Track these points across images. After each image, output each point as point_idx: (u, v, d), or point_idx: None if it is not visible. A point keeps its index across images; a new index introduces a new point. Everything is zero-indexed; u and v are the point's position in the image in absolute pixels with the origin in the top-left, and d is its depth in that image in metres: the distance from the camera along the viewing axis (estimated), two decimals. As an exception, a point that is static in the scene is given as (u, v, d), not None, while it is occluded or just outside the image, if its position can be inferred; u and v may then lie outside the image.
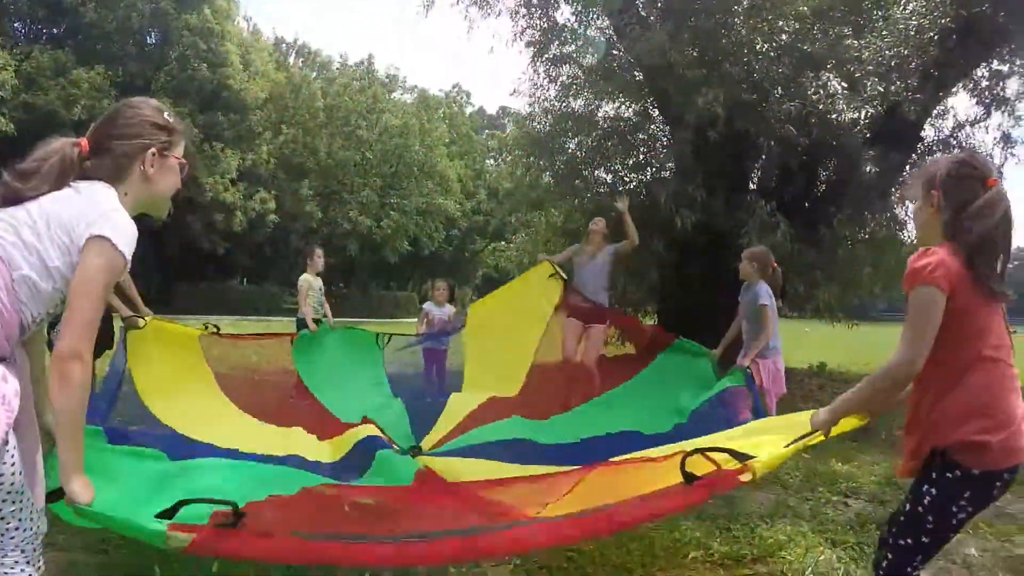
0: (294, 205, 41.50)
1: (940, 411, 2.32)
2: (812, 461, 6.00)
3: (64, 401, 2.04)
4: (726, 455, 2.38)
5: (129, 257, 2.18)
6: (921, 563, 2.41)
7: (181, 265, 39.92)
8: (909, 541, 2.39)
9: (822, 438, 2.60)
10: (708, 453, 2.40)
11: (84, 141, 2.32)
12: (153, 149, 2.33)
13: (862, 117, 10.06)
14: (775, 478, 5.39)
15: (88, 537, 3.51)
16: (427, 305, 8.54)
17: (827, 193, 11.01)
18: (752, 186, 11.06)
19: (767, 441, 2.66)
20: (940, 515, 2.32)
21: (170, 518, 2.20)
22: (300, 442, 4.71)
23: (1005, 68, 11.36)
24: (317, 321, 7.65)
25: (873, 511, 4.89)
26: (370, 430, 4.60)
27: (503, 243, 20.73)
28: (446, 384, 7.29)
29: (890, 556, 2.45)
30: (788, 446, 2.50)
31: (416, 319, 9.38)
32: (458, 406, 5.80)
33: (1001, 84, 11.55)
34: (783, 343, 6.34)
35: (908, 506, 2.40)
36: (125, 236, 2.16)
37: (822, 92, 9.69)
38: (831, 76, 9.86)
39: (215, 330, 5.46)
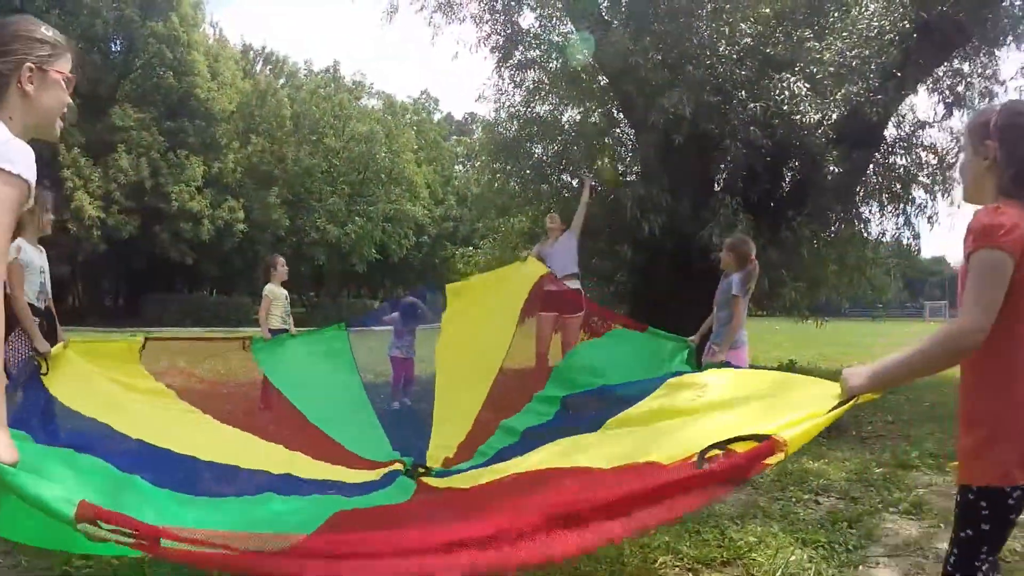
0: (262, 214, 41.21)
1: (1005, 404, 2.09)
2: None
3: None
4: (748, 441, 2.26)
5: (29, 178, 2.04)
6: (989, 553, 2.18)
7: (149, 276, 39.57)
8: (970, 532, 2.17)
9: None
10: (729, 445, 2.28)
11: None
12: (29, 64, 2.14)
13: (824, 119, 10.07)
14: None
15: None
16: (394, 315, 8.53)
17: (791, 193, 11.12)
18: (717, 187, 11.11)
19: (787, 411, 2.55)
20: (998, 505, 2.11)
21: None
22: (291, 461, 4.49)
23: (966, 67, 11.61)
24: (284, 331, 7.53)
25: (844, 508, 4.91)
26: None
27: (471, 249, 20.76)
28: (412, 391, 7.27)
29: (955, 551, 2.23)
30: (823, 416, 2.34)
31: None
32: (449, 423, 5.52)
33: (963, 83, 11.75)
34: (750, 340, 6.39)
35: (961, 496, 2.20)
36: (15, 157, 2.01)
37: (785, 94, 9.70)
38: (793, 78, 9.86)
39: (142, 342, 5.03)
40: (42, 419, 3.81)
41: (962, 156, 2.30)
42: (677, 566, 3.77)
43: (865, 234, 12.12)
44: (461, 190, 47.18)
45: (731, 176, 10.42)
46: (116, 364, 4.74)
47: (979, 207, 2.12)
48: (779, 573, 3.67)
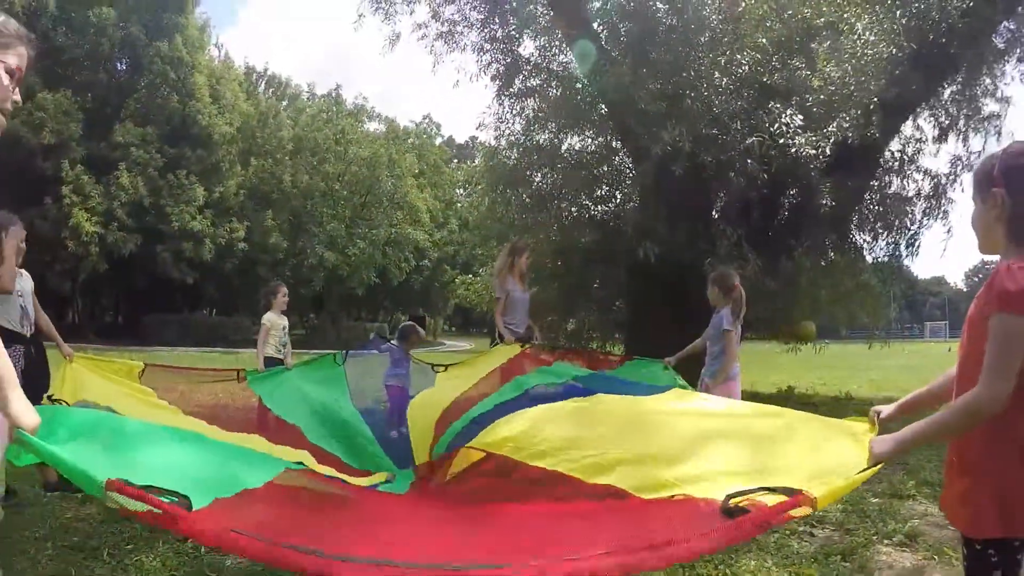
0: (262, 236, 41.38)
1: (995, 455, 2.10)
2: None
3: None
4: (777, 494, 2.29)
5: None
6: None
7: (150, 296, 39.61)
8: None
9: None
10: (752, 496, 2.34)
11: None
12: None
13: (819, 151, 10.11)
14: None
15: None
16: (391, 345, 8.50)
17: (788, 223, 11.19)
18: (715, 216, 11.18)
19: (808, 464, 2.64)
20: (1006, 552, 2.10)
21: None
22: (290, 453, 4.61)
23: (955, 93, 11.82)
24: (279, 362, 7.56)
25: (839, 540, 4.93)
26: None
27: (471, 276, 20.77)
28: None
29: None
30: (850, 479, 2.36)
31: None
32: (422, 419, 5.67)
33: (957, 109, 11.92)
34: (748, 367, 6.48)
35: (967, 549, 2.19)
36: None
37: (781, 126, 9.90)
38: (788, 110, 10.08)
39: (141, 367, 5.16)
40: None
41: (972, 209, 2.26)
42: None
43: (859, 261, 12.26)
44: (463, 214, 47.20)
45: (728, 206, 10.53)
46: (120, 379, 4.91)
47: (999, 258, 2.12)
48: None
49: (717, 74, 10.21)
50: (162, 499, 2.11)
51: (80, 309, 42.21)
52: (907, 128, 12.31)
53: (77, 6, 34.30)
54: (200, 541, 2.71)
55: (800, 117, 10.01)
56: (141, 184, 34.35)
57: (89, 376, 4.69)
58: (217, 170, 39.67)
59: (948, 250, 13.86)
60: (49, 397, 4.00)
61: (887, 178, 12.24)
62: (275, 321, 7.79)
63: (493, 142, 13.93)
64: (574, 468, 3.48)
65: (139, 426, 3.19)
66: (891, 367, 21.65)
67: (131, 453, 2.65)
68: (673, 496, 2.91)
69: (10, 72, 2.07)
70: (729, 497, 2.35)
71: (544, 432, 3.93)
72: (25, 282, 5.28)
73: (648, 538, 2.33)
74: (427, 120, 56.86)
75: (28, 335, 5.22)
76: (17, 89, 2.11)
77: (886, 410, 2.55)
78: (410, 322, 8.97)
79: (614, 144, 12.65)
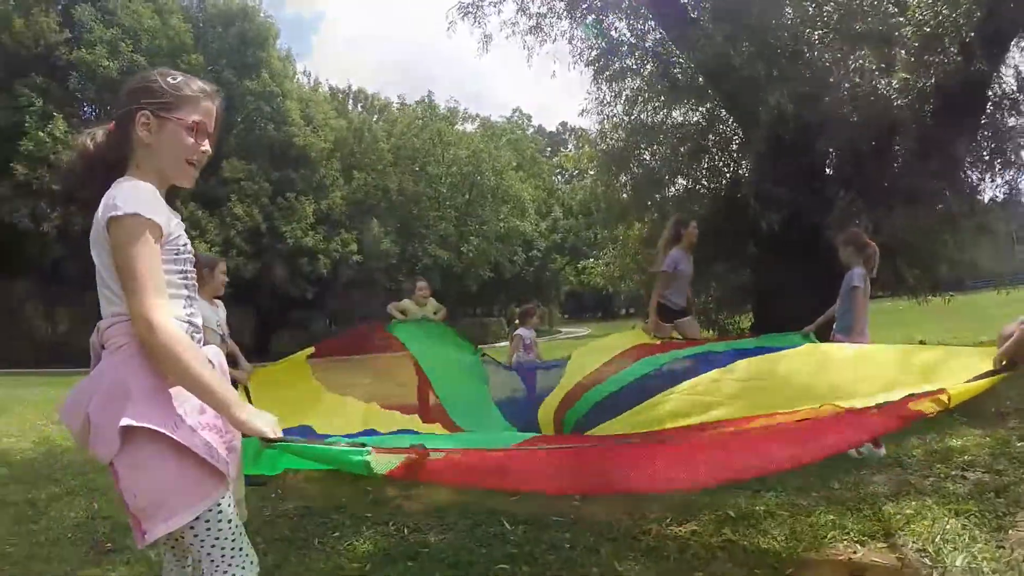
0: (373, 244, 42.77)
1: None
2: (928, 440, 6.16)
3: (174, 365, 2.02)
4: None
5: (144, 212, 2.06)
6: None
7: (272, 313, 41.23)
8: None
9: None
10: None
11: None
12: (145, 112, 2.17)
13: (914, 88, 9.85)
14: (894, 460, 5.59)
15: None
16: (521, 331, 8.77)
17: (900, 173, 10.89)
18: (829, 173, 11.08)
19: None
20: None
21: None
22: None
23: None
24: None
25: (991, 480, 5.02)
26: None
27: (590, 260, 20.91)
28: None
29: None
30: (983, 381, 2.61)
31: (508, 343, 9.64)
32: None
33: None
34: (876, 325, 6.49)
35: None
36: (119, 204, 2.05)
37: (876, 73, 9.75)
38: (881, 55, 9.84)
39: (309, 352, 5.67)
40: None
41: None
42: (844, 539, 4.02)
43: (976, 203, 11.80)
44: (566, 201, 47.58)
45: (840, 165, 10.42)
46: (293, 381, 5.32)
47: None
48: (937, 539, 3.89)
49: (808, 29, 10.13)
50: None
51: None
52: (1014, 57, 11.75)
53: (164, 59, 36.00)
54: (444, 480, 3.13)
55: (896, 62, 9.76)
56: (256, 211, 36.01)
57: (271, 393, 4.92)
58: (322, 187, 41.12)
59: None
60: None
61: (999, 114, 11.72)
62: (411, 308, 8.22)
63: (597, 127, 14.13)
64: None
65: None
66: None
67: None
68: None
69: (193, 127, 2.24)
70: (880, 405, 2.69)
71: (707, 396, 4.19)
72: (221, 312, 5.66)
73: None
74: (517, 113, 57.42)
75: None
76: (207, 141, 2.31)
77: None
78: (528, 305, 9.31)
79: (719, 113, 12.63)
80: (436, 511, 4.89)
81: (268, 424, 2.12)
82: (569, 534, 4.29)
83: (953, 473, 5.32)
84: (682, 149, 12.61)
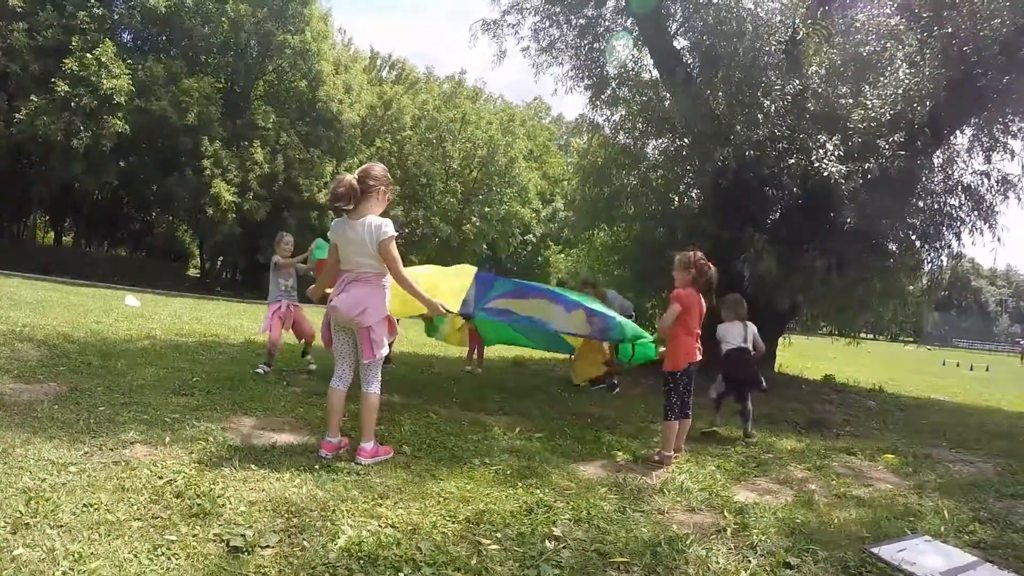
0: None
1: None
2: (771, 436, 8.13)
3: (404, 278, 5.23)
4: None
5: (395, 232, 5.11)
6: None
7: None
8: None
9: None
10: None
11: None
12: (382, 187, 5.24)
13: (852, 175, 10.74)
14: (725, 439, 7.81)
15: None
16: None
17: (819, 233, 12.07)
18: (752, 224, 11.96)
19: None
20: None
21: None
22: None
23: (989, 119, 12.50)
24: None
25: (761, 457, 6.84)
26: None
27: (560, 255, 22.66)
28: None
29: None
30: None
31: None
32: None
33: (998, 129, 12.62)
34: (806, 357, 8.32)
35: None
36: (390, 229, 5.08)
37: (819, 151, 10.73)
38: (828, 137, 10.86)
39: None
40: None
41: None
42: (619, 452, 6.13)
43: (892, 271, 12.89)
44: (569, 193, 49.16)
45: (763, 215, 11.89)
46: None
47: None
48: (683, 471, 5.62)
49: (767, 101, 11.27)
50: None
51: (207, 267, 46.22)
52: (947, 151, 13.11)
53: (211, 1, 37.38)
54: None
55: (838, 145, 10.75)
56: (278, 161, 37.56)
57: None
58: (345, 150, 42.97)
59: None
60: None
61: (924, 198, 12.92)
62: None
63: (584, 145, 15.75)
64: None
65: None
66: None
67: None
68: None
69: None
70: None
71: None
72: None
73: None
74: (537, 101, 58.97)
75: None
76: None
77: None
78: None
79: (684, 153, 13.69)
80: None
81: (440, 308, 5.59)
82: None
83: (744, 451, 7.31)
84: (652, 175, 13.95)
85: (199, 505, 3.90)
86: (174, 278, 41.33)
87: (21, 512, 3.53)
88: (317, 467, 4.95)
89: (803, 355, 22.71)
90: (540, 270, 55.43)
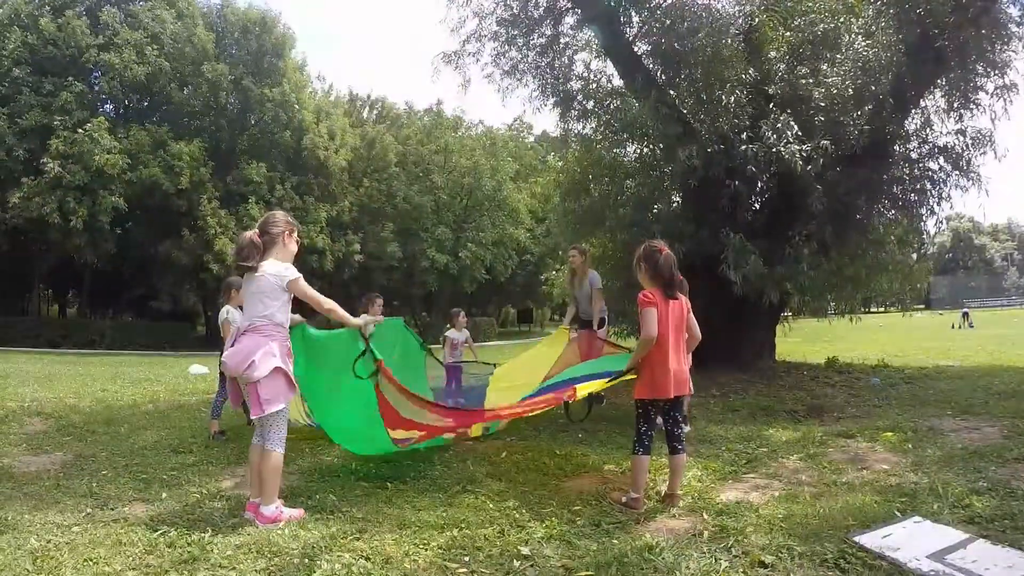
0: (376, 246, 44.94)
1: None
2: (753, 429, 8.17)
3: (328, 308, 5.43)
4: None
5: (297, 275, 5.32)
6: None
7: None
8: None
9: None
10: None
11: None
12: (286, 231, 5.34)
13: (815, 153, 10.59)
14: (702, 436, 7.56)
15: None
16: (450, 332, 10.66)
17: (792, 219, 12.04)
18: (726, 221, 11.86)
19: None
20: None
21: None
22: None
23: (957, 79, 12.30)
24: None
25: (751, 453, 6.89)
26: None
27: (553, 273, 22.58)
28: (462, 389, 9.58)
29: None
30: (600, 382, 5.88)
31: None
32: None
33: (968, 88, 12.42)
34: (807, 339, 8.22)
35: None
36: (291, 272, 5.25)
37: (776, 135, 10.63)
38: (785, 119, 10.71)
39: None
40: None
41: None
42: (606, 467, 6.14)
43: (880, 245, 13.05)
44: (552, 209, 49.43)
45: (736, 209, 11.69)
46: None
47: None
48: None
49: (727, 92, 11.27)
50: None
51: (211, 322, 46.35)
52: (922, 115, 12.87)
53: (189, 64, 37.73)
54: None
55: (793, 127, 10.63)
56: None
57: None
58: (334, 194, 43.66)
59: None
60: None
61: (901, 166, 12.76)
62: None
63: (560, 162, 15.64)
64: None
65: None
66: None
67: None
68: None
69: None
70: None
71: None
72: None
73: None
74: (518, 121, 59.05)
75: None
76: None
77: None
78: (455, 310, 11.37)
79: (656, 157, 13.60)
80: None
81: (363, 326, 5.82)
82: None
83: (736, 447, 7.33)
84: (627, 183, 13.82)
85: (189, 552, 4.25)
86: (181, 338, 41.52)
87: (28, 570, 3.98)
88: (304, 509, 5.18)
89: (810, 339, 22.92)
90: (541, 289, 55.40)
